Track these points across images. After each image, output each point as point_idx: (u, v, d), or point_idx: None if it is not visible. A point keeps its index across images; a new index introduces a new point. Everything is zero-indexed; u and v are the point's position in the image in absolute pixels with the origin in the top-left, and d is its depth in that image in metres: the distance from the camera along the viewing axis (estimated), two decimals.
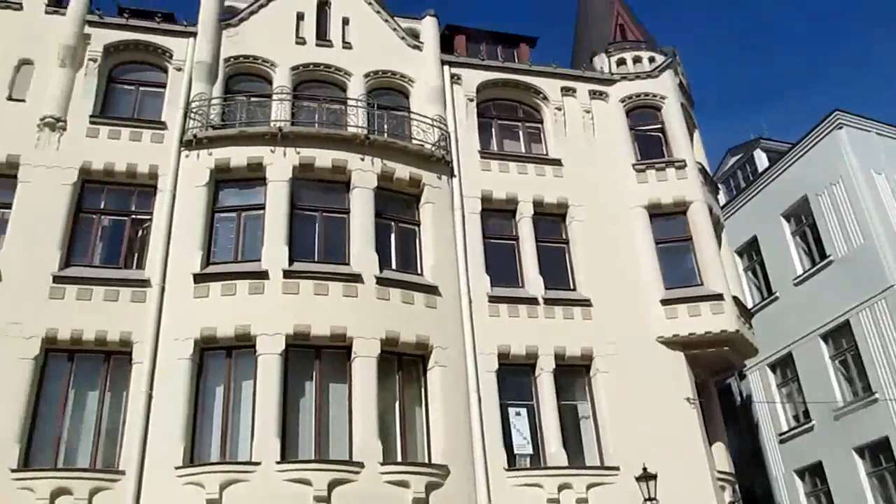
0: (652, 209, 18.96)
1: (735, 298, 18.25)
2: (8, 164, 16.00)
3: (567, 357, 16.78)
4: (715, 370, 19.21)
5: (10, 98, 16.79)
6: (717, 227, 19.56)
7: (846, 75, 70.86)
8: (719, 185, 29.25)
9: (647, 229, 18.74)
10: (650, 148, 20.15)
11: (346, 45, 19.48)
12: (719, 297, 17.78)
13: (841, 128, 23.99)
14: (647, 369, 16.95)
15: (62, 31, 17.59)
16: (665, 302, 17.78)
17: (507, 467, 15.32)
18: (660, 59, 21.20)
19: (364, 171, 16.79)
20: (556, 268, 18.06)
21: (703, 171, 20.00)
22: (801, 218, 25.35)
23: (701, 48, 70.84)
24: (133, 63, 18.25)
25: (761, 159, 28.25)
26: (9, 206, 15.70)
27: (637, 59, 21.21)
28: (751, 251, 27.27)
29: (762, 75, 73.62)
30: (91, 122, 16.86)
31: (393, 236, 16.92)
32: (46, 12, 18.03)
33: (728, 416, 21.58)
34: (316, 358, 15.08)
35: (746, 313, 19.20)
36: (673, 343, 17.51)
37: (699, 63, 67.77)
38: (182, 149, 16.81)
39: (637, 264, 18.27)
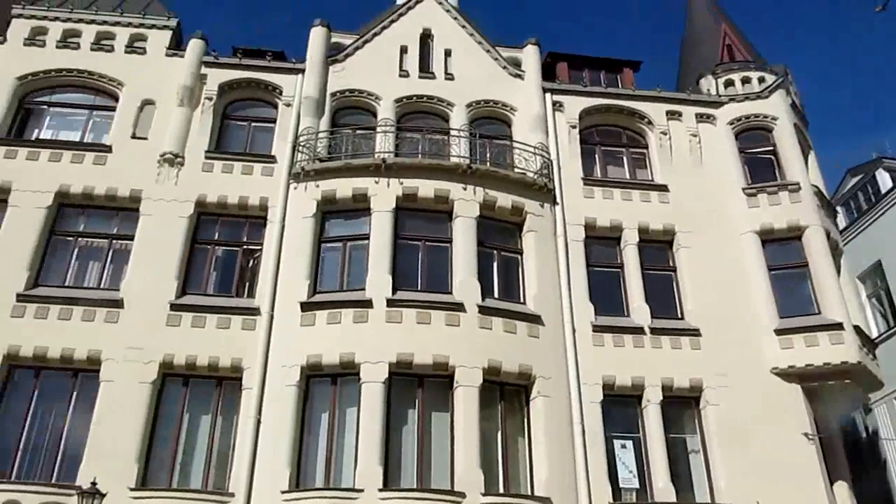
0: (764, 234, 18.26)
1: (856, 327, 17.26)
2: (131, 198, 16.98)
3: (675, 388, 16.28)
4: (836, 403, 18.15)
5: (133, 136, 17.86)
6: (836, 252, 18.62)
7: None
8: (838, 208, 27.83)
9: (760, 255, 18.04)
10: (761, 171, 19.45)
11: (449, 77, 19.77)
12: (838, 326, 16.88)
13: None
14: (760, 402, 16.23)
15: (181, 73, 18.61)
16: (780, 331, 17.02)
17: (612, 501, 14.93)
18: (770, 78, 20.50)
19: (466, 201, 16.91)
20: (662, 296, 17.62)
21: (818, 193, 19.12)
22: None
23: (816, 65, 68.04)
24: (245, 100, 19.13)
25: (884, 179, 26.69)
26: (132, 237, 16.62)
27: (746, 80, 20.59)
28: (875, 277, 25.69)
29: (884, 92, 69.99)
30: (206, 157, 17.72)
31: (495, 265, 16.92)
32: (167, 55, 19.17)
33: (852, 453, 20.29)
34: (418, 386, 15.18)
35: (870, 343, 18.10)
36: (789, 375, 16.71)
37: (815, 80, 65.05)
38: (291, 181, 17.41)
39: (749, 292, 17.60)
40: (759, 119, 19.88)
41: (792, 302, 17.62)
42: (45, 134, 18.21)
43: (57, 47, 19.00)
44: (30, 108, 18.51)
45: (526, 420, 15.50)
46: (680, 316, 17.41)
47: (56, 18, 19.35)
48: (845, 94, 64.83)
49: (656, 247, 18.32)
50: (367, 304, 15.46)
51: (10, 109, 18.05)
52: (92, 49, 19.06)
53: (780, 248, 18.32)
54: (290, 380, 14.90)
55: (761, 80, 20.56)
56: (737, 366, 16.60)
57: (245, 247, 17.11)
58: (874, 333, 24.55)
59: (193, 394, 15.41)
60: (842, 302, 17.39)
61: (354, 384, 14.81)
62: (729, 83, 20.63)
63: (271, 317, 15.77)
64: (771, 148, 19.73)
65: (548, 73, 21.23)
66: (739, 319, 17.21)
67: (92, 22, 19.42)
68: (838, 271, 18.40)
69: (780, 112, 19.90)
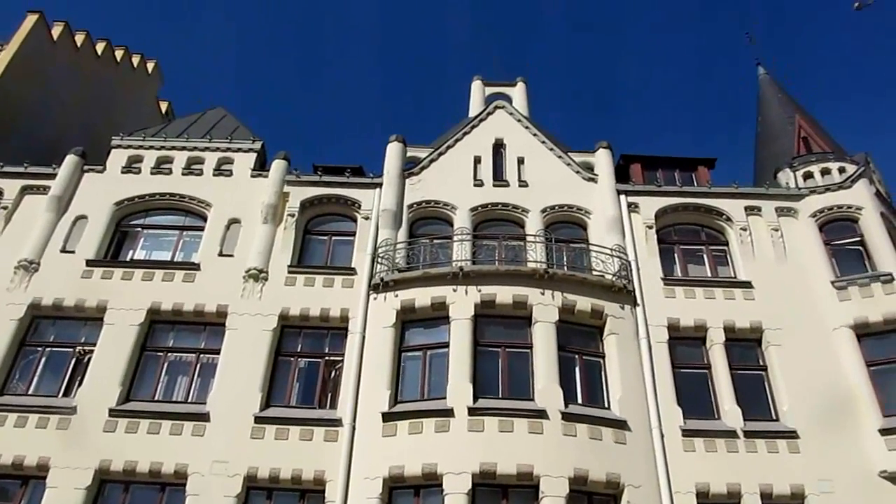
0: (859, 329, 17.50)
1: None
2: (218, 313, 17.53)
3: (775, 496, 15.37)
4: None
5: (220, 254, 18.61)
6: None
7: None
8: None
9: (856, 351, 17.23)
10: (850, 263, 18.83)
11: (522, 184, 20.09)
12: None
13: None
14: None
15: (265, 191, 19.47)
16: (885, 431, 16.02)
17: None
18: (850, 168, 20.11)
19: (545, 305, 16.83)
20: (754, 397, 16.93)
21: None
22: None
23: None
24: (326, 215, 19.86)
25: None
26: (218, 351, 17.06)
27: (825, 171, 20.27)
28: None
29: None
30: (289, 272, 18.27)
31: (577, 370, 16.62)
32: (252, 176, 20.16)
33: None
34: (503, 497, 14.74)
35: None
36: None
37: None
38: (370, 292, 17.72)
39: (848, 390, 16.74)
40: (842, 210, 19.41)
41: None
42: (140, 254, 19.16)
43: (151, 173, 20.26)
44: (126, 231, 19.61)
45: None
46: (775, 417, 16.64)
47: (151, 147, 20.72)
48: None
49: (744, 345, 17.74)
50: (449, 413, 15.32)
51: (108, 233, 19.18)
52: (183, 174, 20.25)
53: (878, 342, 17.48)
54: (373, 492, 14.70)
55: (841, 170, 20.20)
56: (841, 470, 15.64)
57: (327, 358, 17.32)
58: None
59: None
60: None
61: (438, 496, 14.50)
62: (808, 175, 20.33)
63: (353, 428, 15.76)
64: (858, 239, 19.15)
65: (622, 175, 21.40)
66: (840, 420, 16.32)
67: (183, 149, 20.69)
68: None
69: (865, 201, 19.41)
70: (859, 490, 15.43)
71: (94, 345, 17.09)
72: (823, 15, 64.79)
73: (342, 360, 17.02)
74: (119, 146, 20.77)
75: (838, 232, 19.37)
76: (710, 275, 18.99)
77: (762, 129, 23.65)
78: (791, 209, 19.73)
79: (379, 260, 18.19)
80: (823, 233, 19.33)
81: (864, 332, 17.52)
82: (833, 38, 66.45)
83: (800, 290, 18.27)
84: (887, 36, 63.00)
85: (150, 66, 30.79)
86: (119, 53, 28.42)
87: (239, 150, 20.72)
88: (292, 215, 19.28)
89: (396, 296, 17.33)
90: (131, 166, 20.36)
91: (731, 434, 16.07)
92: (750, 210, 19.71)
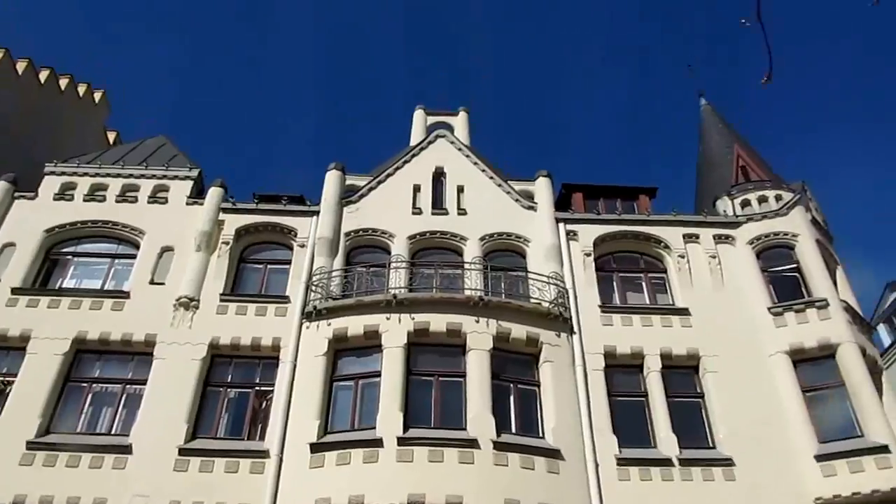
0: (795, 354, 17.53)
1: None
2: (146, 342, 17.09)
3: None
4: None
5: (151, 282, 18.20)
6: (874, 369, 17.70)
7: None
8: (881, 325, 26.82)
9: (792, 377, 17.24)
10: (787, 289, 18.91)
11: (462, 212, 19.98)
12: (884, 448, 15.79)
13: None
14: None
15: (200, 219, 19.13)
16: (820, 457, 15.98)
17: None
18: (787, 196, 20.27)
19: (479, 333, 16.61)
20: (691, 424, 16.81)
21: (849, 309, 18.41)
22: None
23: (858, 181, 67.71)
24: (262, 243, 19.53)
25: None
26: (145, 381, 16.58)
27: (763, 199, 20.42)
28: None
29: None
30: (221, 300, 17.91)
31: (512, 398, 16.36)
32: (187, 203, 19.84)
33: None
34: None
35: None
36: None
37: (854, 197, 64.51)
38: (303, 320, 17.38)
39: (784, 416, 16.71)
40: (778, 237, 19.53)
41: (832, 425, 16.69)
42: (69, 283, 18.68)
43: (84, 200, 19.84)
44: (56, 259, 19.12)
45: None
46: (711, 445, 16.51)
47: (85, 174, 20.34)
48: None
49: (681, 373, 17.65)
50: (378, 443, 14.95)
51: (36, 260, 18.68)
52: (117, 200, 19.87)
53: (814, 367, 17.51)
54: None
55: (778, 198, 20.37)
56: (776, 497, 15.54)
57: (257, 388, 16.92)
58: None
59: None
60: (886, 423, 16.34)
61: None
62: (745, 203, 20.48)
63: (280, 459, 15.34)
64: (795, 265, 19.26)
65: (565, 204, 21.41)
66: (776, 446, 16.25)
67: (118, 175, 20.33)
68: (880, 390, 17.42)
69: (801, 228, 19.56)
70: None
71: (16, 375, 16.53)
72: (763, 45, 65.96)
73: (273, 390, 16.63)
74: (52, 173, 20.35)
75: (775, 259, 19.47)
76: (648, 302, 18.94)
77: (703, 158, 23.84)
78: (729, 236, 19.82)
79: (313, 288, 17.89)
80: (761, 260, 19.42)
81: (800, 358, 17.55)
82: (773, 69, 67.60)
83: (737, 317, 18.28)
84: (824, 69, 64.65)
85: (98, 95, 30.39)
86: (64, 82, 28.02)
87: (175, 177, 20.41)
88: (227, 243, 18.95)
89: (329, 324, 17.01)
90: (64, 193, 19.93)
91: (666, 462, 15.90)
92: (688, 238, 19.76)
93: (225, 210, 19.56)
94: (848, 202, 63.93)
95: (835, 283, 19.02)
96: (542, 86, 71.93)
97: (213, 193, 19.81)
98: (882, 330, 27.51)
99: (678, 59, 67.93)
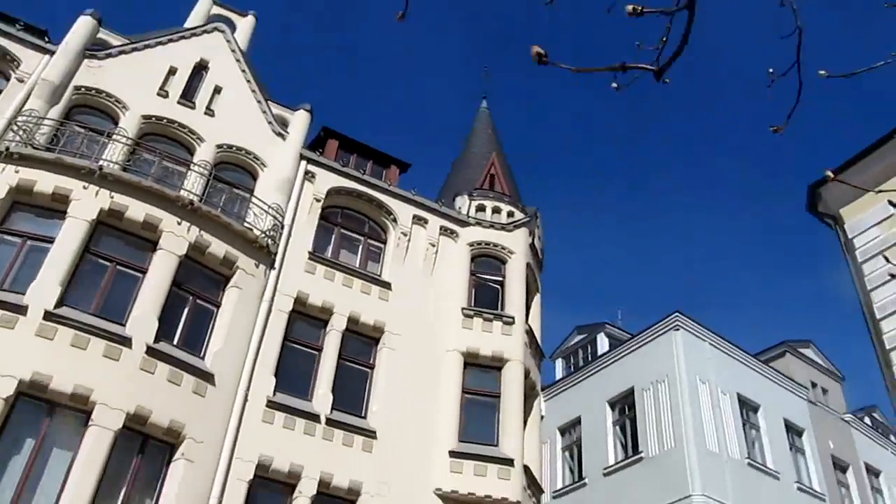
0: (469, 357, 18.50)
1: (526, 468, 17.55)
2: None
3: (332, 486, 15.54)
4: None
5: None
6: (531, 392, 19.13)
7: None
8: (560, 359, 29.20)
9: (458, 375, 18.17)
10: (486, 298, 19.90)
11: (209, 112, 18.87)
12: (509, 462, 17.07)
13: (678, 329, 24.20)
14: None
15: None
16: (454, 454, 16.95)
17: None
18: (519, 215, 21.34)
19: (176, 236, 15.78)
20: (352, 391, 17.14)
21: (530, 333, 19.75)
22: (625, 408, 25.08)
23: (597, 224, 73.86)
24: None
25: (603, 343, 28.44)
26: None
27: (497, 210, 21.31)
28: (572, 431, 26.81)
29: (637, 262, 77.05)
30: None
31: (186, 310, 15.73)
32: None
33: None
34: (48, 414, 13.34)
35: (536, 487, 18.41)
36: (450, 499, 16.56)
37: (592, 239, 70.48)
38: None
39: (437, 409, 17.52)
40: (497, 248, 20.49)
41: (476, 429, 17.73)
42: None
43: None
44: None
45: (160, 482, 14.02)
46: (362, 414, 16.92)
47: None
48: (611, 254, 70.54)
49: (363, 340, 17.99)
50: (21, 310, 13.67)
51: None
52: None
53: (481, 373, 18.57)
54: None
55: (511, 214, 21.35)
56: (402, 478, 16.24)
57: None
58: (559, 485, 25.43)
59: None
60: (520, 439, 17.67)
61: None
62: (481, 208, 21.25)
63: None
64: (501, 279, 20.30)
65: (318, 146, 21.02)
66: (420, 433, 17.00)
67: None
68: (529, 411, 18.84)
69: (518, 248, 20.65)
70: (412, 500, 16.09)
71: None
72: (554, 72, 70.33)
73: None
74: None
75: (486, 267, 20.43)
76: (357, 265, 19.05)
77: (464, 155, 24.51)
78: (454, 232, 20.48)
79: (15, 129, 16.03)
80: (473, 263, 20.27)
81: (472, 362, 18.55)
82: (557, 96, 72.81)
83: (432, 307, 18.92)
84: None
85: None
86: None
87: None
88: None
89: (17, 171, 15.30)
90: None
91: (314, 417, 16.06)
92: (417, 219, 20.15)
93: None
94: (570, 244, 69.50)
95: (528, 308, 20.29)
96: (341, 27, 71.18)
97: None
98: (559, 364, 29.99)
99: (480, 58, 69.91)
